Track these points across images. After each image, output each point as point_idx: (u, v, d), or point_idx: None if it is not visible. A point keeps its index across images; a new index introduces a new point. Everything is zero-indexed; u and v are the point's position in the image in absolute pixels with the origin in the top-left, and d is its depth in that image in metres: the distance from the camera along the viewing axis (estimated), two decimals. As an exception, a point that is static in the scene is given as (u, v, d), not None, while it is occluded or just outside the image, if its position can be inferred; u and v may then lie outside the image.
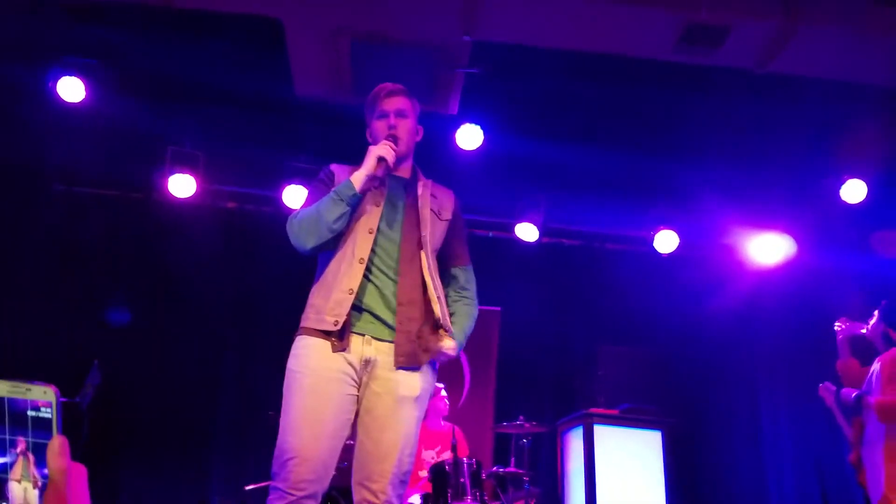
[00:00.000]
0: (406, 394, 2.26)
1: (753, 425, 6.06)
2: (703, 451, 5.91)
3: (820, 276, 5.83)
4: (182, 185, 5.31)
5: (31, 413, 0.95)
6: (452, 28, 3.91)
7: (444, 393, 5.08)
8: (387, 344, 2.27)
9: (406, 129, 2.48)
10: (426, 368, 2.33)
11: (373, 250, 2.30)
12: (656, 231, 5.83)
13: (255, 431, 5.33)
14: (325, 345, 2.22)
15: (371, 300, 2.28)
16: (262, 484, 4.30)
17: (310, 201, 2.38)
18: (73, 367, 4.34)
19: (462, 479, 4.12)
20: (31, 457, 0.95)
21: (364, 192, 2.30)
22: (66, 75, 4.54)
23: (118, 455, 5.18)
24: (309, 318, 2.29)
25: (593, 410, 5.05)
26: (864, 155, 4.99)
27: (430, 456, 4.84)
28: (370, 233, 2.32)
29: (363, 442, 2.24)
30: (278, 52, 4.16)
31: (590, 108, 4.81)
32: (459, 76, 4.28)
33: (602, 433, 4.97)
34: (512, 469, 4.66)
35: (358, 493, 2.23)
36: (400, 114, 2.47)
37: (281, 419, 2.23)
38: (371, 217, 2.34)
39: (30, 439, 0.95)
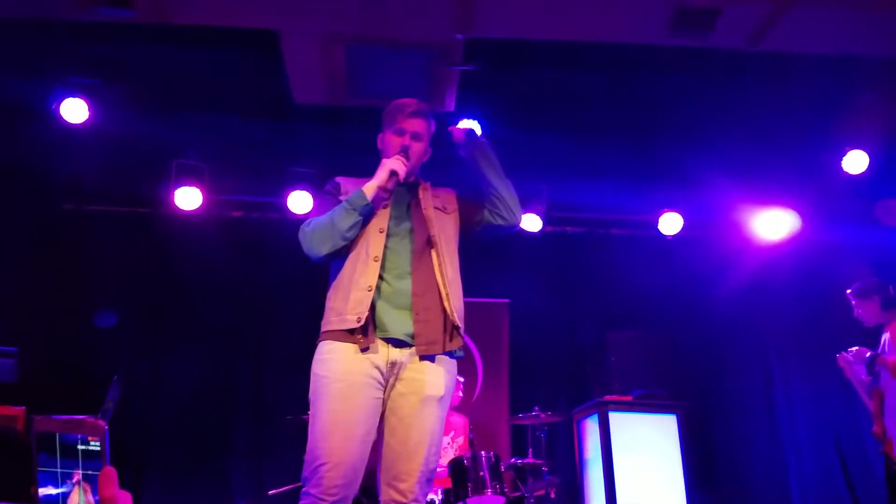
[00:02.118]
0: (431, 393, 2.29)
1: (768, 403, 6.07)
2: (718, 432, 5.93)
3: (826, 249, 5.83)
4: (188, 198, 5.37)
5: (80, 446, 1.02)
6: (446, 27, 3.93)
7: (461, 378, 5.10)
8: (409, 344, 2.30)
9: (418, 152, 2.55)
10: (449, 366, 2.37)
11: (385, 248, 2.36)
12: (660, 214, 5.86)
13: (273, 437, 5.42)
14: (350, 348, 2.25)
15: (389, 296, 2.31)
16: (286, 488, 4.36)
17: (318, 212, 2.45)
18: (89, 382, 4.40)
19: (482, 473, 4.17)
20: (86, 486, 1.02)
21: (375, 202, 2.36)
22: (69, 97, 4.60)
23: (140, 467, 5.26)
24: (330, 322, 2.32)
25: (608, 398, 5.08)
26: (864, 126, 4.99)
27: (446, 442, 4.89)
28: (381, 232, 2.38)
29: (389, 442, 2.27)
30: (276, 60, 4.21)
31: (587, 97, 4.82)
32: (455, 73, 4.31)
33: (617, 420, 5.00)
34: (530, 460, 4.70)
35: (386, 493, 2.26)
36: (416, 137, 2.53)
37: (310, 425, 2.26)
38: (380, 218, 2.41)
39: (81, 470, 1.02)
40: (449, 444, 4.88)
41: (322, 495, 2.14)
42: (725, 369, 6.11)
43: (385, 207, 2.44)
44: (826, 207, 5.78)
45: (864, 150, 5.10)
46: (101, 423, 1.02)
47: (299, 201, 5.45)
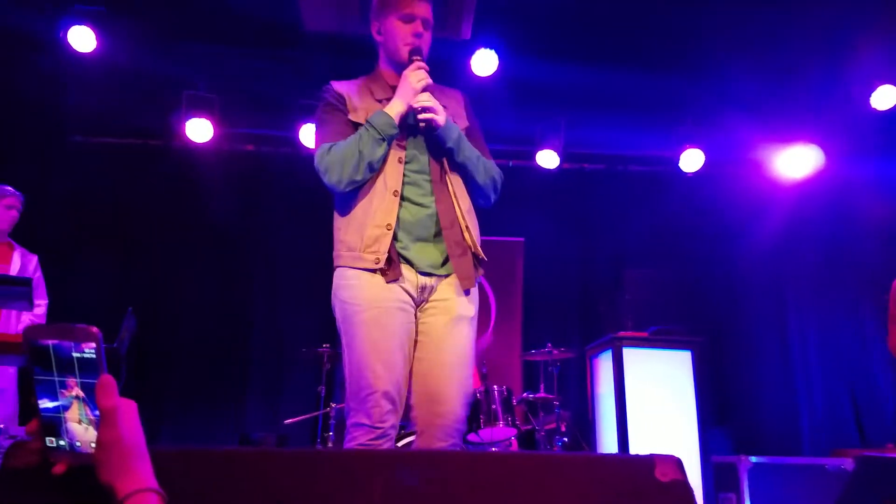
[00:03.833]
0: (463, 313, 2.18)
1: (782, 342, 6.06)
2: (733, 368, 5.94)
3: (849, 187, 5.71)
4: (199, 130, 5.31)
5: (76, 355, 0.96)
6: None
7: None
8: (441, 272, 2.18)
9: (428, 44, 2.27)
10: (475, 288, 2.25)
11: (404, 181, 2.17)
12: (682, 150, 5.72)
13: (288, 367, 5.49)
14: (376, 277, 2.11)
15: (410, 229, 2.15)
16: (300, 418, 4.44)
17: (327, 131, 2.21)
18: (107, 313, 4.45)
19: (494, 406, 4.21)
20: (84, 398, 0.97)
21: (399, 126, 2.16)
22: (76, 24, 4.49)
23: (158, 396, 5.35)
24: (342, 256, 2.17)
25: (622, 334, 5.08)
26: (893, 59, 4.80)
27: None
28: (399, 162, 2.18)
29: (423, 365, 2.15)
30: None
31: (607, 27, 4.66)
32: (471, 0, 4.16)
33: (631, 356, 5.00)
34: (542, 394, 4.74)
35: (424, 419, 2.13)
36: (427, 24, 2.25)
37: (346, 355, 2.13)
38: (398, 146, 2.20)
39: (78, 380, 0.97)
40: None
41: (377, 424, 2.03)
42: (741, 308, 6.08)
43: (401, 132, 2.20)
44: (851, 143, 5.62)
45: (892, 84, 4.92)
46: (94, 329, 0.97)
47: (311, 135, 5.36)
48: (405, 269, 2.14)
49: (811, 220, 5.94)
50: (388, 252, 2.10)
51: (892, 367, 5.40)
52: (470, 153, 2.25)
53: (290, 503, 1.18)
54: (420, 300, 2.17)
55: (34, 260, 4.14)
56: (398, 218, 2.14)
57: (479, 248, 2.25)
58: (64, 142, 5.57)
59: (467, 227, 2.21)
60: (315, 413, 4.48)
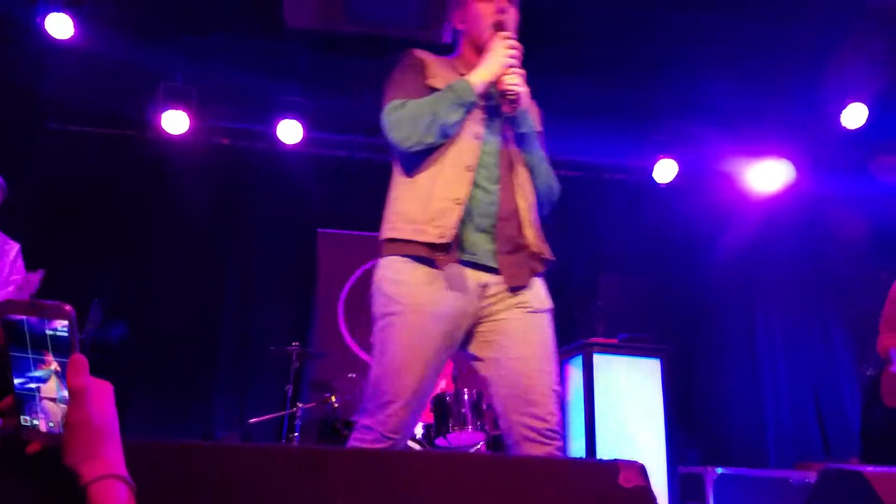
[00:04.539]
0: (538, 307, 2.02)
1: (751, 352, 6.14)
2: (701, 378, 6.01)
3: (819, 203, 5.81)
4: (175, 122, 5.26)
5: (48, 332, 0.94)
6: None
7: None
8: (495, 270, 2.00)
9: (515, 21, 2.11)
10: (539, 282, 2.08)
11: (478, 158, 2.00)
12: (656, 161, 5.79)
13: (256, 365, 5.44)
14: (428, 271, 1.92)
15: (474, 215, 1.97)
16: (265, 417, 4.40)
17: (401, 89, 2.03)
18: (74, 304, 4.38)
19: (463, 410, 4.20)
20: (58, 375, 0.95)
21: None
22: (54, 11, 4.43)
23: (122, 391, 5.27)
24: (400, 229, 1.96)
25: (593, 340, 5.11)
26: (865, 77, 4.90)
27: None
28: (476, 138, 2.02)
29: (506, 366, 1.93)
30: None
31: (583, 33, 4.69)
32: (452, 4, 4.16)
33: (601, 362, 5.03)
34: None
35: (518, 426, 1.91)
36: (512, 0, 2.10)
37: (377, 350, 1.96)
38: (474, 120, 2.03)
39: (53, 357, 0.95)
40: None
41: (390, 434, 1.87)
42: (711, 317, 6.16)
43: (480, 108, 2.05)
44: (822, 159, 5.73)
45: (863, 103, 5.02)
46: (67, 306, 0.95)
47: (289, 131, 5.34)
48: (467, 259, 1.96)
49: (781, 234, 6.04)
50: (454, 230, 1.91)
51: (859, 380, 5.50)
52: (538, 150, 2.13)
53: (252, 498, 1.18)
54: (481, 299, 1.97)
55: (15, 248, 4.04)
56: (470, 197, 1.96)
57: (544, 247, 2.08)
58: (40, 128, 5.48)
59: (529, 222, 2.05)
60: (281, 413, 4.45)
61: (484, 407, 4.32)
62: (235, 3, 4.46)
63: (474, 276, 1.96)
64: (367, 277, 6.42)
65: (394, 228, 1.98)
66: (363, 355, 5.92)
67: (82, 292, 4.66)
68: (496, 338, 1.97)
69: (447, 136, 1.97)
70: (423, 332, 1.90)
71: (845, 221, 5.62)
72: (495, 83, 2.00)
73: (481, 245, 1.98)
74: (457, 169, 1.97)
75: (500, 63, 1.97)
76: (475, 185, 1.98)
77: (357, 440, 1.91)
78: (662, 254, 5.95)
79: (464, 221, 1.94)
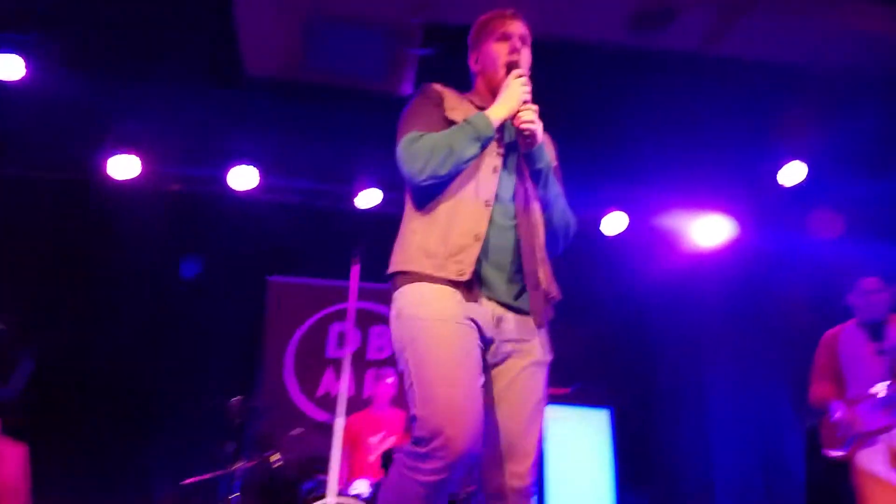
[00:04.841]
0: (541, 359, 1.99)
1: (699, 404, 6.24)
2: (650, 429, 6.06)
3: (761, 257, 6.01)
4: (125, 166, 5.17)
5: None
6: (404, 8, 3.88)
7: (389, 381, 5.06)
8: (516, 304, 1.97)
9: (528, 59, 2.16)
10: (543, 332, 2.05)
11: (496, 193, 1.99)
12: (605, 213, 5.93)
13: (195, 420, 5.23)
14: (453, 293, 1.87)
15: (492, 252, 1.94)
16: (203, 477, 4.16)
17: (419, 121, 2.03)
18: (8, 353, 4.20)
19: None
20: None
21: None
22: (4, 52, 4.35)
23: (53, 446, 5.01)
24: (419, 262, 1.91)
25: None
26: (803, 137, 5.16)
27: (374, 441, 4.82)
28: (494, 172, 2.01)
29: (497, 415, 1.91)
30: (229, 28, 4.05)
31: (539, 91, 4.82)
32: (413, 57, 4.25)
33: (552, 413, 5.03)
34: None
35: (496, 479, 1.88)
36: (524, 40, 2.16)
37: (416, 379, 1.81)
38: (492, 155, 2.03)
39: None
40: (377, 444, 4.80)
41: (449, 457, 1.69)
42: (661, 369, 6.26)
43: (497, 143, 2.05)
44: (762, 215, 5.96)
45: (802, 161, 5.27)
46: None
47: (242, 177, 5.31)
48: (484, 299, 1.92)
49: (726, 287, 6.21)
50: (474, 268, 1.89)
51: (801, 430, 5.62)
52: (554, 187, 2.12)
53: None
54: (491, 337, 1.92)
55: None
56: (487, 233, 1.94)
57: (553, 286, 2.06)
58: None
59: (542, 260, 2.04)
60: (219, 472, 4.24)
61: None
62: (192, 48, 4.45)
63: (491, 307, 1.93)
64: (318, 328, 6.37)
65: (411, 261, 1.93)
66: (310, 411, 5.78)
67: (20, 340, 4.47)
68: (496, 388, 1.94)
69: (460, 171, 1.96)
70: (459, 345, 1.82)
71: (786, 275, 5.82)
72: (511, 119, 2.03)
73: (497, 282, 1.95)
74: (476, 204, 1.96)
75: (517, 99, 2.00)
76: (491, 221, 1.96)
77: (410, 469, 1.75)
78: (613, 305, 6.05)
79: (480, 258, 1.92)
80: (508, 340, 1.95)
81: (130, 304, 5.47)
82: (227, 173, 5.30)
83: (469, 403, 1.75)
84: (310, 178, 5.66)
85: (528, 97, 2.03)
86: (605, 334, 5.80)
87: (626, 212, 5.91)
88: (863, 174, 5.36)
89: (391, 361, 5.84)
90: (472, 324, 1.87)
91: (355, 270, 3.80)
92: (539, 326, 2.00)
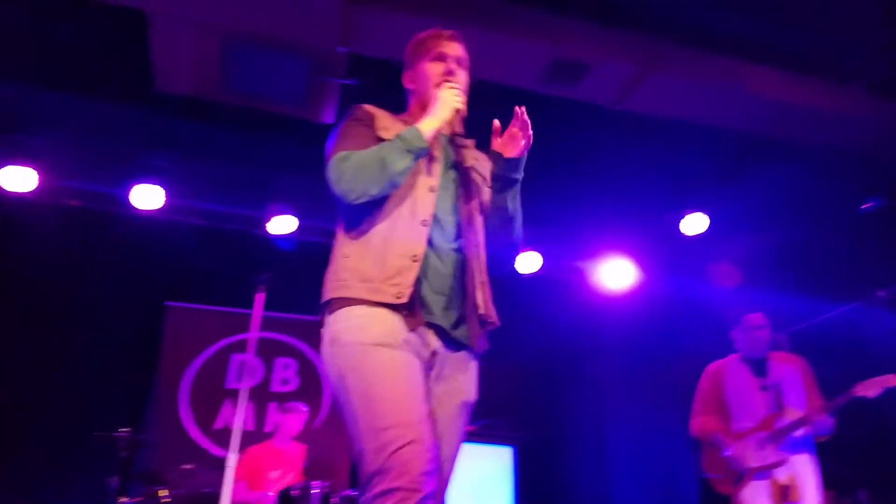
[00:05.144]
0: (467, 400, 1.91)
1: (601, 441, 6.36)
2: (552, 466, 6.12)
3: (664, 302, 6.25)
4: (21, 179, 4.88)
5: None
6: (329, 37, 3.85)
7: (299, 415, 4.95)
8: (455, 334, 1.88)
9: (464, 83, 2.10)
10: (475, 365, 1.97)
11: (434, 213, 1.90)
12: (521, 251, 6.01)
13: (78, 453, 4.91)
14: (393, 316, 1.77)
15: (430, 274, 1.86)
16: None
17: (349, 142, 1.94)
18: None
19: (310, 505, 4.01)
20: None
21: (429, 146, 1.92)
22: None
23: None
24: (354, 287, 1.81)
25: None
26: (704, 190, 5.42)
27: (275, 476, 4.70)
28: (431, 191, 1.93)
29: None
30: (141, 43, 3.91)
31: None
32: (336, 86, 4.22)
33: (457, 450, 5.01)
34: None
35: None
36: (461, 63, 2.11)
37: (359, 408, 1.68)
38: (431, 173, 1.96)
39: None
40: (276, 479, 4.67)
41: (413, 484, 1.57)
42: (565, 407, 6.35)
43: (434, 161, 1.98)
44: (666, 262, 6.20)
45: (703, 213, 5.53)
46: None
47: (146, 196, 5.10)
48: (424, 321, 1.82)
49: (632, 330, 6.41)
50: (413, 289, 1.79)
51: (698, 475, 5.81)
52: (517, 198, 2.05)
53: None
54: (428, 368, 1.83)
55: None
56: (424, 256, 1.84)
57: (491, 311, 1.95)
58: None
59: (483, 283, 1.95)
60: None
61: (336, 501, 4.13)
62: (102, 59, 4.26)
63: (431, 340, 1.84)
64: (218, 358, 6.14)
65: (346, 287, 1.82)
66: (206, 444, 5.54)
67: None
68: None
69: (395, 186, 1.87)
70: (404, 369, 1.72)
71: (686, 321, 6.05)
72: (449, 134, 1.98)
73: (436, 307, 1.85)
74: (413, 223, 1.87)
75: (449, 108, 1.95)
76: (430, 242, 1.88)
77: None
78: (521, 343, 6.11)
79: (427, 279, 1.84)
80: (440, 378, 1.86)
81: (17, 324, 5.13)
82: (129, 191, 5.07)
83: (423, 428, 1.65)
84: (219, 201, 5.48)
85: (463, 107, 1.99)
86: (511, 372, 5.84)
87: (539, 252, 6.01)
88: (760, 228, 5.68)
89: (299, 394, 5.69)
90: (418, 353, 1.79)
91: (259, 298, 3.70)
92: (476, 352, 1.93)
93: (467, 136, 2.10)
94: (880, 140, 4.59)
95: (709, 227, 5.54)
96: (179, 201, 5.34)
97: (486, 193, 2.06)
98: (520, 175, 2.03)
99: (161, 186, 5.09)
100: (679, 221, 5.58)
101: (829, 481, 3.67)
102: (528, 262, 6.05)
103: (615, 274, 6.19)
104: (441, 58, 2.09)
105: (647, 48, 4.07)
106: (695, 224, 5.58)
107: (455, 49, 2.11)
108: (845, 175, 5.03)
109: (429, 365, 1.83)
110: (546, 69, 4.02)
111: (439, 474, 1.74)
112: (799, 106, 4.32)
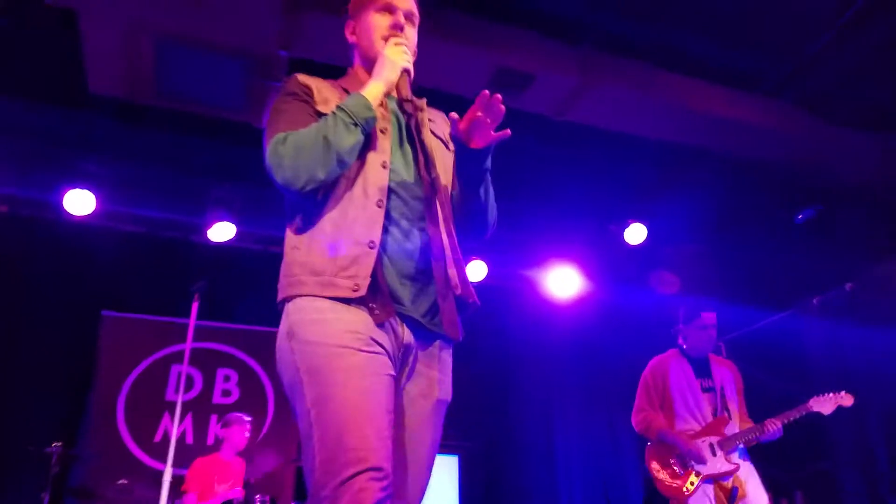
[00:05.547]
0: (443, 397, 1.74)
1: (548, 447, 6.40)
2: (500, 473, 6.13)
3: (607, 309, 6.34)
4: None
5: None
6: (269, 40, 3.79)
7: (246, 430, 4.85)
8: (429, 325, 1.70)
9: (413, 40, 1.87)
10: (450, 361, 1.80)
11: (390, 191, 1.69)
12: (467, 261, 6.02)
13: (9, 468, 4.71)
14: (357, 311, 1.58)
15: (395, 259, 1.66)
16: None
17: (286, 119, 1.70)
18: None
19: (255, 519, 3.94)
20: None
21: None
22: None
23: None
24: (304, 283, 1.61)
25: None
26: (646, 200, 5.53)
27: (222, 489, 4.61)
28: (384, 167, 1.70)
29: (395, 450, 1.61)
30: (74, 42, 3.77)
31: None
32: (276, 90, 4.15)
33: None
34: None
35: None
36: (410, 17, 1.88)
37: (314, 417, 1.51)
38: (381, 147, 1.73)
39: None
40: (224, 492, 4.57)
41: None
42: (510, 414, 6.37)
43: (386, 133, 1.76)
44: (609, 271, 6.30)
45: (643, 224, 5.64)
46: None
47: (79, 201, 4.92)
48: (400, 311, 1.65)
49: (578, 337, 6.48)
50: (374, 278, 1.59)
51: (643, 481, 5.90)
52: (491, 190, 1.87)
53: None
54: (400, 365, 1.66)
55: None
56: (383, 240, 1.64)
57: (468, 289, 1.76)
58: None
59: (455, 261, 1.74)
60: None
61: (277, 512, 4.07)
62: (32, 59, 4.10)
63: (401, 332, 1.66)
64: (157, 369, 5.96)
65: (299, 283, 1.62)
66: (144, 458, 5.36)
67: None
68: (396, 419, 1.66)
69: (345, 166, 1.65)
70: (369, 376, 1.54)
71: (630, 328, 6.15)
72: (399, 96, 1.76)
73: (405, 293, 1.66)
74: (366, 205, 1.66)
75: (395, 69, 1.73)
76: (393, 219, 1.67)
77: None
78: (466, 351, 6.10)
79: (389, 265, 1.65)
80: (413, 375, 1.69)
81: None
82: (62, 197, 4.88)
83: (382, 451, 1.48)
84: (155, 207, 5.32)
85: (410, 66, 1.76)
86: (455, 380, 5.83)
87: (485, 261, 6.03)
88: (696, 239, 5.82)
89: (240, 406, 5.54)
90: (384, 351, 1.59)
91: (195, 307, 3.61)
92: (454, 339, 1.75)
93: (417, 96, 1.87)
94: (808, 154, 4.76)
95: (648, 237, 5.64)
96: (115, 207, 5.17)
97: (450, 158, 1.86)
98: (487, 165, 1.79)
99: (92, 192, 4.91)
100: (623, 231, 5.67)
101: (767, 484, 3.75)
102: (474, 271, 6.07)
103: (561, 282, 6.26)
104: (389, 9, 1.85)
105: (590, 61, 4.14)
106: (638, 233, 5.68)
107: (406, 2, 1.88)
108: (779, 187, 5.20)
109: (400, 361, 1.66)
110: (491, 78, 4.04)
111: (412, 485, 1.65)
112: (733, 120, 4.45)
